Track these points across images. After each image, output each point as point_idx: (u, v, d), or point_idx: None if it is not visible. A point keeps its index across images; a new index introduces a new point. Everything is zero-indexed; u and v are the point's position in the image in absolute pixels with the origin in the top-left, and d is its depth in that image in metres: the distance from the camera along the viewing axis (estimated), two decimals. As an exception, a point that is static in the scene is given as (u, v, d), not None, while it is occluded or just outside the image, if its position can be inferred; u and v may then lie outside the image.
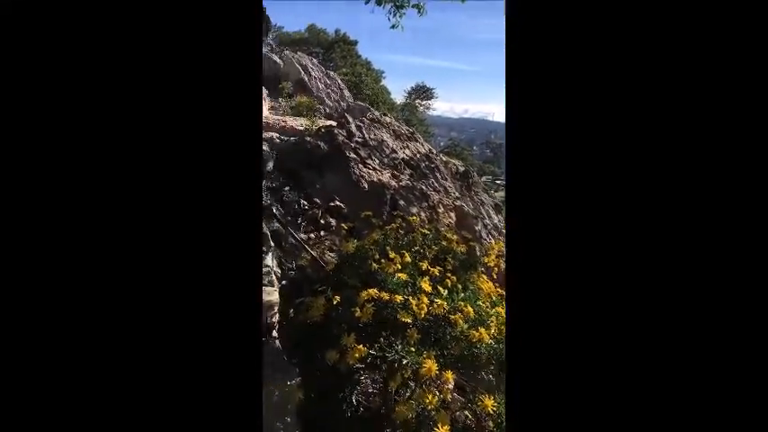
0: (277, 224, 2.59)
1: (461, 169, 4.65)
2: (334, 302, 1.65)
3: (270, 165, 2.96)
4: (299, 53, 15.23)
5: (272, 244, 2.32)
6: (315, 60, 14.71)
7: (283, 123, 3.86)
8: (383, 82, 24.57)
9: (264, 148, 2.98)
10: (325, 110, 12.55)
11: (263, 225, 2.44)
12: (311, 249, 2.55)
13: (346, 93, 14.53)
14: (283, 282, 2.28)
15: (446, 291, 1.72)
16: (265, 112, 7.95)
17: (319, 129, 3.49)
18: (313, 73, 13.91)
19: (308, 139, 3.21)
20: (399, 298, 1.58)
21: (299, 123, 4.27)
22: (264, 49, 15.51)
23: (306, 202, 2.87)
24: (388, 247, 1.96)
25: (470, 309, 1.61)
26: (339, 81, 14.56)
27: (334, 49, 23.40)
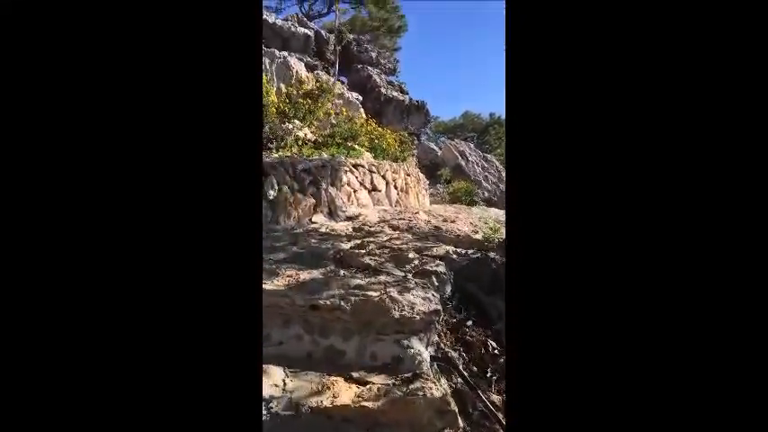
0: (460, 380, 1.93)
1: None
2: None
3: (447, 289, 2.39)
4: (456, 140, 15.55)
5: (460, 422, 1.64)
6: (471, 145, 14.76)
7: (457, 232, 3.34)
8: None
9: (441, 268, 2.44)
10: (483, 193, 12.10)
11: (446, 383, 1.82)
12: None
13: (504, 174, 13.98)
14: (473, 479, 1.56)
15: None
16: (427, 203, 7.83)
17: (503, 240, 2.83)
18: (470, 158, 13.84)
19: (492, 255, 2.58)
20: None
21: (471, 227, 3.73)
22: (423, 138, 16.25)
23: (494, 345, 2.16)
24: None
25: None
26: (497, 163, 14.16)
27: (489, 132, 23.54)
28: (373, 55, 15.58)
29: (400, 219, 4.10)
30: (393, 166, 5.33)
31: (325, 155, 4.69)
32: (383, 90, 14.35)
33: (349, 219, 3.96)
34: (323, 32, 14.65)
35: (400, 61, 18.99)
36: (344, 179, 4.27)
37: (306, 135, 5.62)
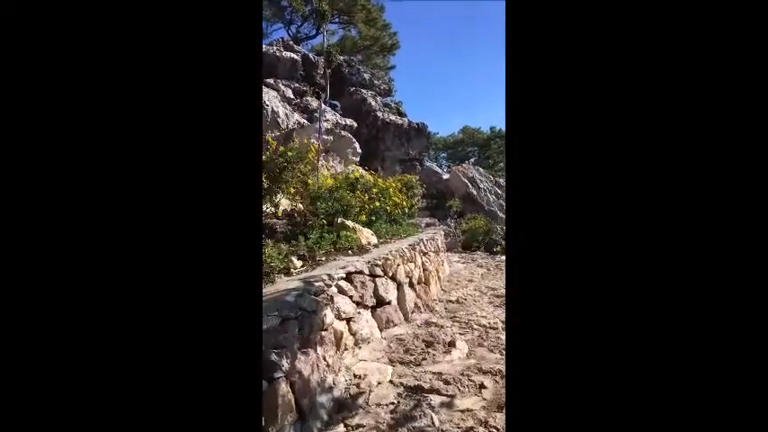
0: None
1: None
2: None
3: None
4: (463, 165, 13.56)
5: None
6: (481, 170, 12.65)
7: None
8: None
9: None
10: (502, 229, 10.12)
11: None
12: None
13: (521, 201, 11.97)
14: None
15: None
16: (447, 269, 5.86)
17: None
18: (481, 184, 11.82)
19: None
20: None
21: None
22: (425, 162, 14.35)
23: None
24: None
25: None
26: (511, 188, 12.15)
27: (490, 146, 21.60)
28: (366, 76, 13.71)
29: (431, 390, 2.15)
30: (406, 254, 3.39)
31: (298, 262, 2.74)
32: (379, 114, 12.44)
33: (338, 417, 2.01)
34: (311, 55, 12.79)
35: (395, 80, 17.18)
36: (329, 318, 2.32)
37: (278, 210, 3.68)
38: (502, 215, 10.27)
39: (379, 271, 2.99)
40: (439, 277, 4.34)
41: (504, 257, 7.19)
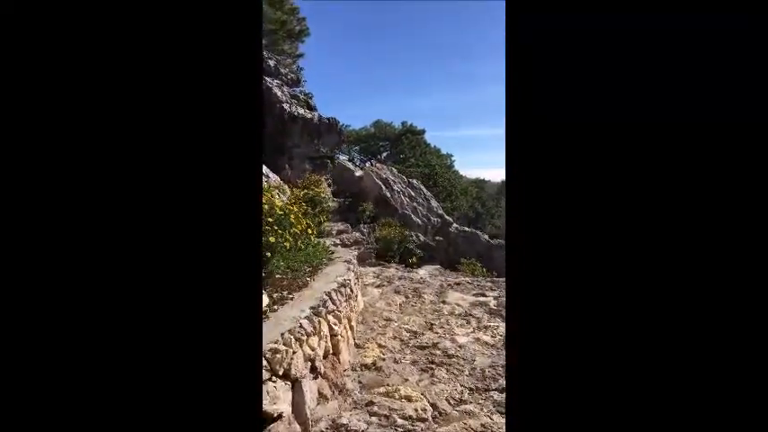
0: None
1: None
2: None
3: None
4: (377, 164, 12.72)
5: None
6: (394, 170, 11.89)
7: None
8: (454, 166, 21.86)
9: None
10: (417, 237, 9.56)
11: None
12: None
13: (434, 203, 11.51)
14: None
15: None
16: (360, 303, 4.95)
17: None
18: (395, 186, 11.04)
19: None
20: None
21: None
22: (337, 158, 13.28)
23: None
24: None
25: None
26: (424, 190, 11.55)
27: (402, 141, 21.19)
28: (271, 63, 12.05)
29: None
30: (306, 329, 2.39)
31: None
32: (286, 106, 10.97)
33: None
34: (205, 34, 10.77)
35: (304, 69, 15.64)
36: None
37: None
38: (416, 219, 9.72)
39: (264, 373, 1.95)
40: (351, 327, 3.42)
41: (420, 273, 6.57)
